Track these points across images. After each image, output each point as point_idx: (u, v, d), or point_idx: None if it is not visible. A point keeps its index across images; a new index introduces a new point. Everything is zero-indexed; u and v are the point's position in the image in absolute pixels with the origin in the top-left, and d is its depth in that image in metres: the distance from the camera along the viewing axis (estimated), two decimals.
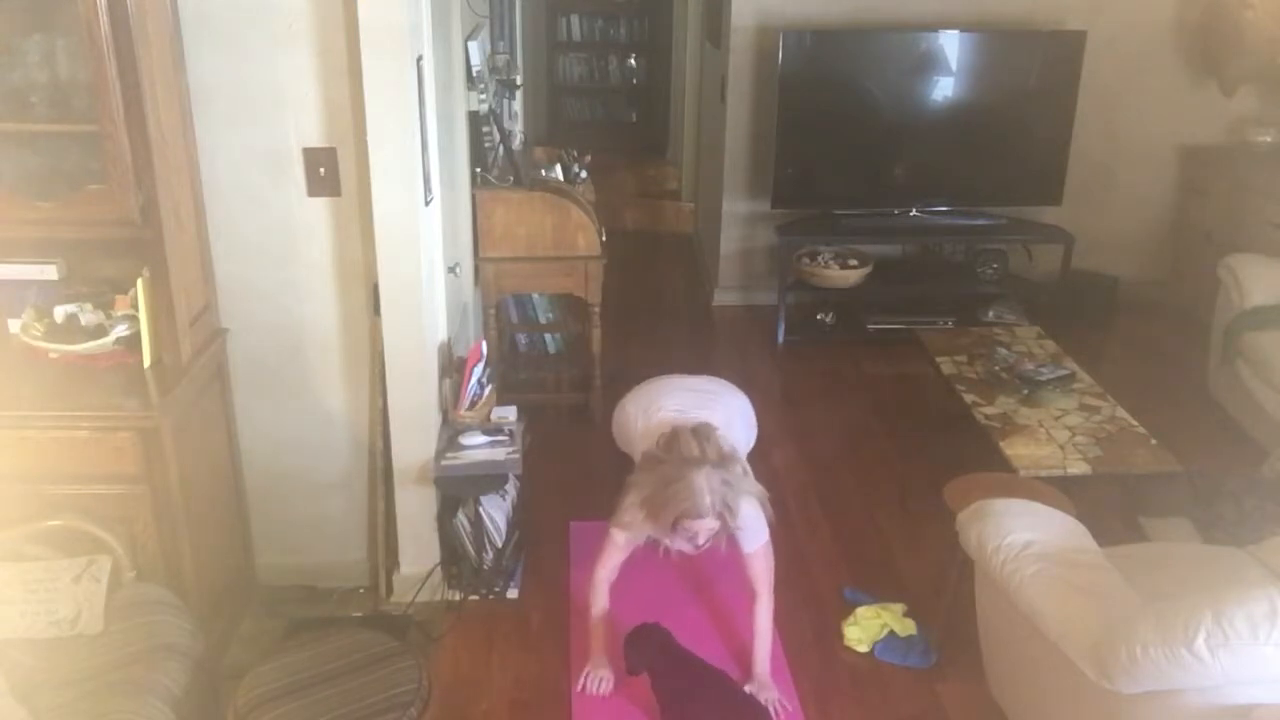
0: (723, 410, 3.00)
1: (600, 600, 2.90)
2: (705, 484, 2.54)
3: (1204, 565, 2.74)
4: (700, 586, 3.33)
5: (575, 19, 9.32)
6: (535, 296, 4.60)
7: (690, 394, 3.08)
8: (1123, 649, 2.13)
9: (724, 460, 2.64)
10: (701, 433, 2.69)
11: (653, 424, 2.90)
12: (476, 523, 3.30)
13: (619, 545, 2.84)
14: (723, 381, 3.28)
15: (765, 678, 2.83)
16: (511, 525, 3.41)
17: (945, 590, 3.16)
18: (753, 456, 4.17)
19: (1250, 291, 4.35)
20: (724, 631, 3.14)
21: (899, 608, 3.28)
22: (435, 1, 3.26)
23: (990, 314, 5.40)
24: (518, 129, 5.57)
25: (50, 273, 2.76)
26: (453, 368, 3.43)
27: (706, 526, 2.59)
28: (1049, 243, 5.44)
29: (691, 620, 3.14)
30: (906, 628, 3.20)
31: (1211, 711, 2.13)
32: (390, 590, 3.33)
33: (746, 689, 2.79)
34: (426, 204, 3.09)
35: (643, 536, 2.80)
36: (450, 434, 3.28)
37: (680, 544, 2.70)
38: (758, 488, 2.74)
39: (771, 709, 2.76)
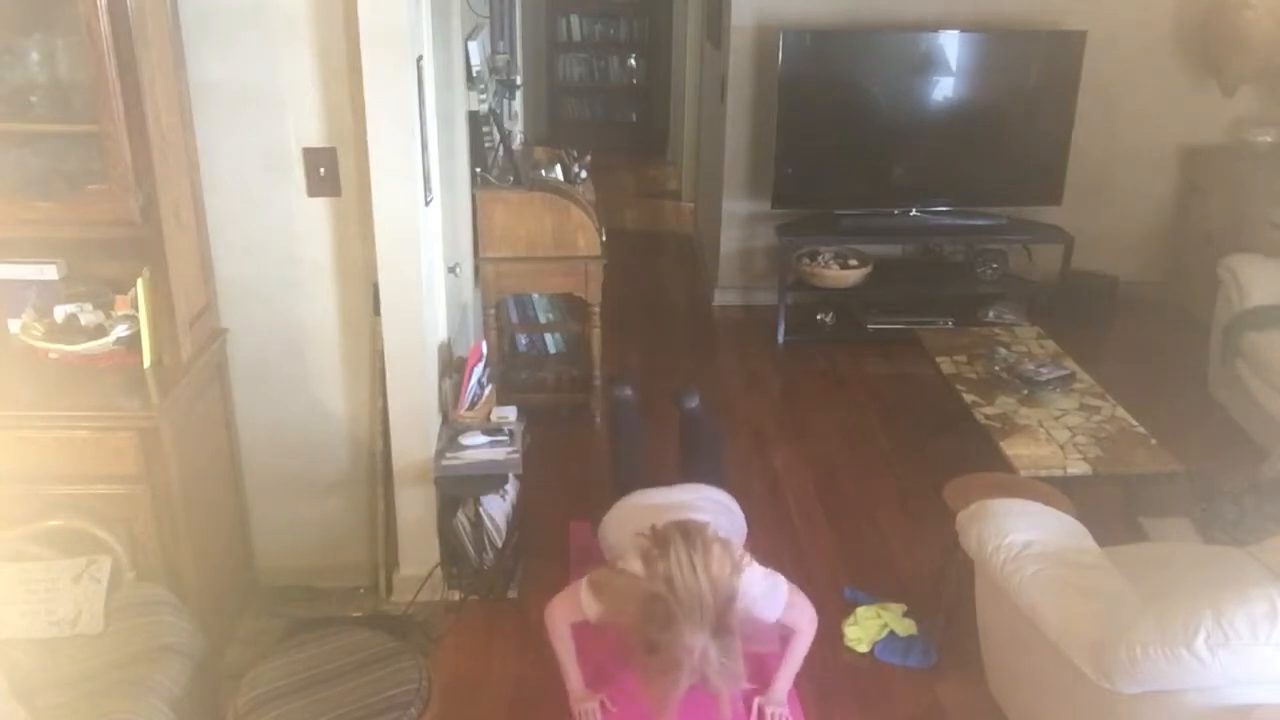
0: (708, 509, 2.88)
1: (565, 644, 2.73)
2: (690, 666, 2.28)
3: (1204, 565, 2.74)
4: None
5: (575, 19, 9.32)
6: (535, 296, 4.60)
7: (672, 494, 2.98)
8: (1123, 649, 2.13)
9: (725, 626, 2.34)
10: (693, 537, 2.44)
11: (643, 513, 2.77)
12: (476, 523, 3.30)
13: (581, 610, 2.61)
14: (698, 486, 3.12)
15: (779, 695, 2.81)
16: (511, 525, 3.41)
17: (945, 590, 3.16)
18: (752, 459, 4.22)
19: (1250, 291, 4.35)
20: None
21: (899, 608, 3.28)
22: (435, 1, 3.26)
23: (990, 314, 5.40)
24: (518, 129, 5.57)
25: (50, 273, 2.77)
26: (453, 368, 3.44)
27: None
28: (1049, 243, 5.44)
29: None
30: (906, 628, 3.20)
31: (1211, 711, 2.13)
32: (390, 590, 3.33)
33: (757, 701, 2.79)
34: (426, 204, 3.09)
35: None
36: (450, 434, 3.28)
37: None
38: (763, 586, 2.55)
39: None
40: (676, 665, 2.29)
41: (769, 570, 2.62)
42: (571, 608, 2.65)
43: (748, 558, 2.54)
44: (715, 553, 2.44)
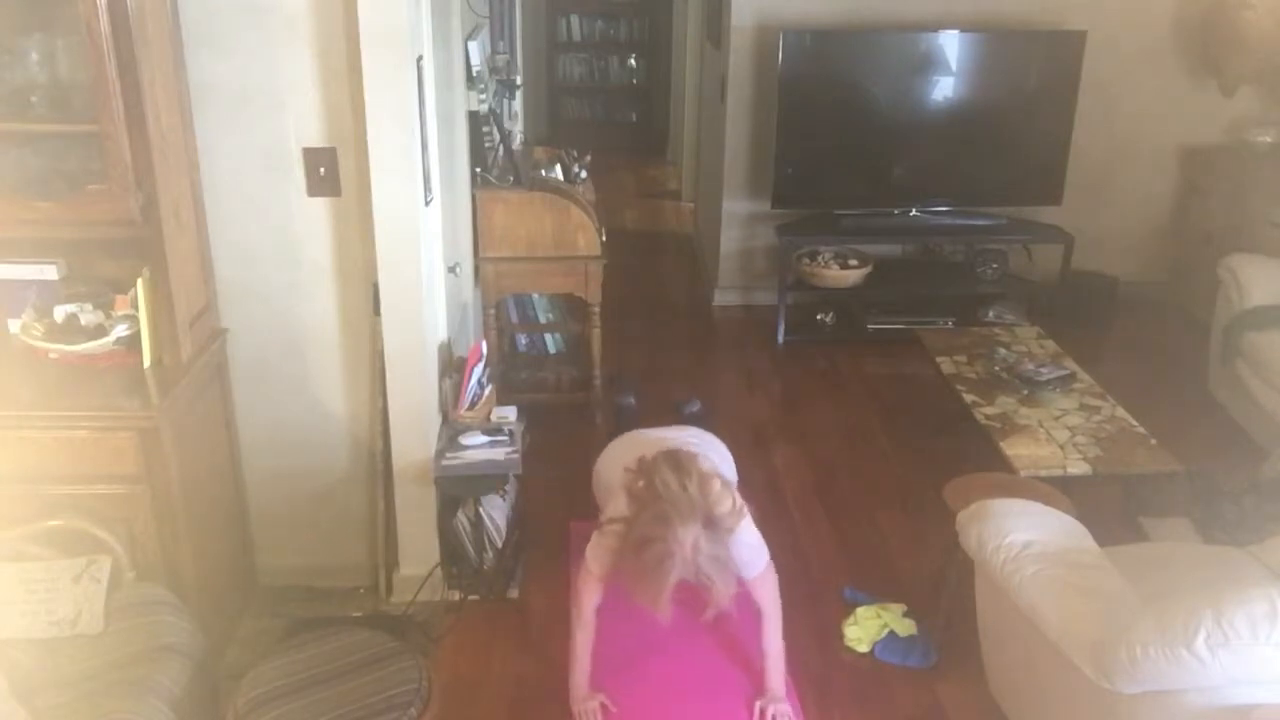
0: (696, 443, 2.86)
1: (587, 632, 2.71)
2: (682, 556, 2.30)
3: (1204, 565, 2.74)
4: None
5: (575, 19, 9.32)
6: (535, 296, 4.61)
7: (665, 431, 2.99)
8: (1123, 649, 2.13)
9: (714, 520, 2.39)
10: (683, 466, 2.43)
11: (635, 446, 2.77)
12: (476, 523, 3.30)
13: (599, 580, 2.63)
14: (696, 430, 3.14)
15: (778, 692, 2.81)
16: (511, 525, 3.41)
17: (945, 590, 3.16)
18: (752, 459, 4.22)
19: (1250, 291, 4.35)
20: (730, 646, 3.10)
21: (899, 608, 3.28)
22: (435, 1, 3.26)
23: (990, 314, 5.40)
24: (518, 129, 5.57)
25: (50, 273, 2.76)
26: (453, 368, 3.44)
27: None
28: (1049, 243, 5.44)
29: (698, 638, 3.11)
30: (906, 628, 3.20)
31: (1211, 711, 2.13)
32: (390, 590, 3.33)
33: (758, 704, 2.79)
34: (426, 204, 3.10)
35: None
36: (450, 434, 3.28)
37: None
38: (750, 533, 2.57)
39: None
40: (669, 556, 2.30)
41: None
42: (588, 581, 2.65)
43: (746, 507, 2.55)
44: (715, 487, 2.45)
